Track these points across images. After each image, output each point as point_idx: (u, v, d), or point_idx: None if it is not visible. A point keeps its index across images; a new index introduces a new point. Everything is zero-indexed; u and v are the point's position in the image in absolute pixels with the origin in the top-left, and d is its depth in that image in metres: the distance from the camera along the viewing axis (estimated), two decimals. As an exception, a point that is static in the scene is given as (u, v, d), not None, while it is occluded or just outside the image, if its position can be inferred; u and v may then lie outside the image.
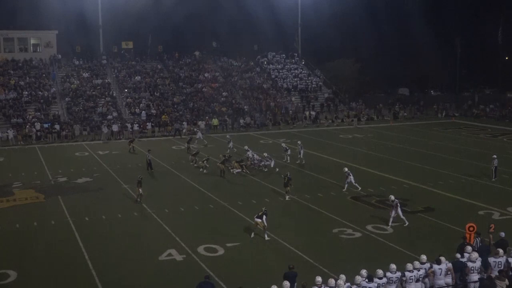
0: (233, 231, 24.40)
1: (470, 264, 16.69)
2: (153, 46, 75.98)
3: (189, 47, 78.68)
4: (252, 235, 23.34)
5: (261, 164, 37.01)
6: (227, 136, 46.13)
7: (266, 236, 23.11)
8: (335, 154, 42.96)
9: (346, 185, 31.10)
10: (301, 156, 39.25)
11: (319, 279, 15.43)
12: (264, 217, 23.15)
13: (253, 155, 38.02)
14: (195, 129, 53.17)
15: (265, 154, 37.79)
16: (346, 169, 31.69)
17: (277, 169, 36.58)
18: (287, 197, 29.45)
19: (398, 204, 24.66)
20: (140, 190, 28.93)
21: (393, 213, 24.59)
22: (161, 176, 36.32)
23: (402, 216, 24.60)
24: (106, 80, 66.05)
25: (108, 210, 27.92)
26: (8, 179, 35.33)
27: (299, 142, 41.03)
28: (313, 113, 64.74)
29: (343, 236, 23.63)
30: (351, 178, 30.95)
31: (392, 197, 24.99)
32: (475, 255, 16.87)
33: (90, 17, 69.47)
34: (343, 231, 24.09)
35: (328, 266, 19.84)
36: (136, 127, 55.52)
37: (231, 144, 43.78)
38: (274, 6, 74.69)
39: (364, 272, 15.84)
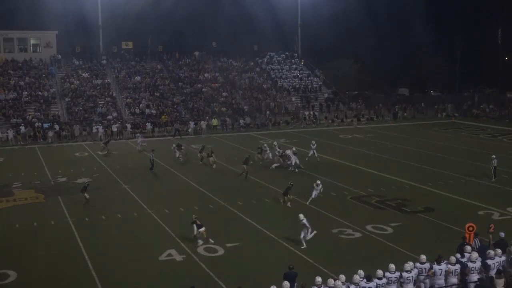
0: (233, 231, 24.39)
1: (470, 264, 16.68)
2: (153, 46, 76.10)
3: (189, 47, 78.82)
4: (200, 242, 22.47)
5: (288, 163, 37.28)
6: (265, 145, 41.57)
7: (199, 242, 22.38)
8: (334, 154, 43.00)
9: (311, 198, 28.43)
10: (314, 155, 39.35)
11: (319, 279, 15.43)
12: (195, 225, 22.46)
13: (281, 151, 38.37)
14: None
15: (288, 151, 37.95)
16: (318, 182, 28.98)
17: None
18: (288, 204, 28.07)
19: (306, 224, 22.29)
20: (86, 195, 28.78)
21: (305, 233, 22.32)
22: (160, 176, 36.32)
23: (309, 236, 22.29)
24: (106, 80, 66.09)
25: (107, 210, 27.93)
26: (8, 179, 35.34)
27: (313, 142, 40.93)
28: (314, 113, 64.80)
29: (342, 236, 23.62)
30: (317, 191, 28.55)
31: (301, 216, 22.52)
32: (475, 255, 16.87)
33: (90, 17, 69.53)
34: (343, 231, 24.08)
35: (327, 266, 19.83)
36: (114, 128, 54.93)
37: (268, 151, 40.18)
38: (274, 6, 74.77)
39: (361, 272, 15.85)
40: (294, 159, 36.97)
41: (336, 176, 34.79)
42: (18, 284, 19.18)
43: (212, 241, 22.58)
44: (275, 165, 37.48)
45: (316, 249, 22.07)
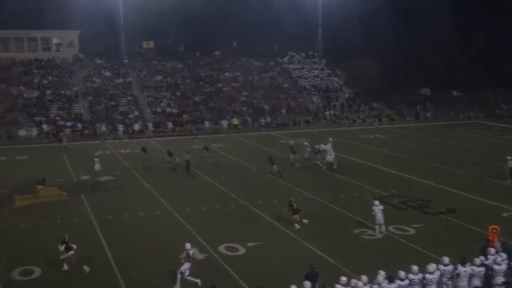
0: (254, 230, 24.42)
1: (496, 267, 16.50)
2: (174, 46, 76.43)
3: (209, 46, 78.96)
4: (66, 267, 20.23)
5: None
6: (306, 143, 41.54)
7: (86, 268, 20.06)
8: (356, 154, 42.76)
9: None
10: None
11: (343, 278, 15.41)
12: (63, 246, 20.20)
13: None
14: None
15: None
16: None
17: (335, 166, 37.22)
18: (298, 225, 24.85)
19: (190, 256, 19.23)
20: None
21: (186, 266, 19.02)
22: (182, 175, 36.40)
23: (186, 276, 18.92)
24: (128, 79, 66.53)
25: (130, 209, 28.11)
26: (32, 177, 35.61)
27: (330, 139, 40.27)
28: (335, 113, 64.61)
29: (364, 237, 23.53)
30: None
31: (188, 246, 19.34)
32: (501, 257, 16.69)
33: (112, 17, 70.09)
34: (365, 232, 24.00)
35: (349, 267, 19.76)
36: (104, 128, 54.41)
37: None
38: (295, 6, 74.65)
39: (382, 273, 15.77)
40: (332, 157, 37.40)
41: (358, 176, 34.69)
42: (42, 280, 19.43)
43: (87, 269, 20.08)
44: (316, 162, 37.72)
45: (338, 249, 22.04)
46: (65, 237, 20.65)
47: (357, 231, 24.17)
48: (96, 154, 37.73)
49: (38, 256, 21.37)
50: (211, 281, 17.71)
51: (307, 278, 16.35)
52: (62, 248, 20.23)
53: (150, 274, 19.87)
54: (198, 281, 18.89)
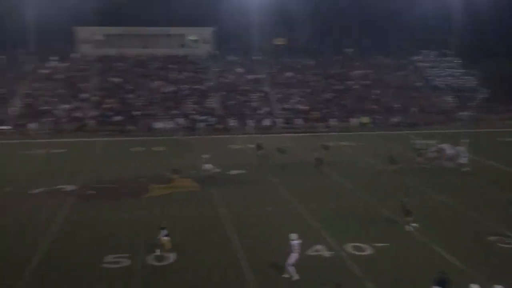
0: (382, 231, 24.03)
1: None
2: (305, 43, 76.87)
3: (341, 44, 78.64)
4: (158, 252, 21.46)
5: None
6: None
7: (157, 251, 21.28)
8: (492, 157, 40.65)
9: None
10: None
11: (475, 286, 14.82)
12: (162, 231, 21.37)
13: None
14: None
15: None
16: None
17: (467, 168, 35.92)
18: (409, 227, 24.13)
19: (296, 247, 19.38)
20: None
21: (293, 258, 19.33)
22: (310, 172, 36.54)
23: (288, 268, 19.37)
24: (259, 76, 67.88)
25: (258, 203, 28.73)
26: (168, 168, 37.35)
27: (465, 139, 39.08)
28: (470, 113, 61.86)
29: (501, 245, 22.33)
30: None
31: (292, 236, 19.52)
32: None
33: (245, 14, 71.87)
34: (502, 240, 22.77)
35: (482, 275, 18.89)
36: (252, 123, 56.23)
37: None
38: (429, 3, 72.35)
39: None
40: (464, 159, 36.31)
41: (492, 180, 33.06)
42: (176, 266, 20.41)
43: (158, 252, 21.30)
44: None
45: (469, 255, 21.15)
46: (163, 223, 21.83)
47: (492, 238, 23.00)
48: (204, 156, 37.20)
49: (173, 243, 22.31)
50: (336, 279, 17.73)
51: (437, 283, 15.92)
52: (163, 234, 21.24)
53: (277, 267, 20.14)
54: (295, 276, 19.06)
